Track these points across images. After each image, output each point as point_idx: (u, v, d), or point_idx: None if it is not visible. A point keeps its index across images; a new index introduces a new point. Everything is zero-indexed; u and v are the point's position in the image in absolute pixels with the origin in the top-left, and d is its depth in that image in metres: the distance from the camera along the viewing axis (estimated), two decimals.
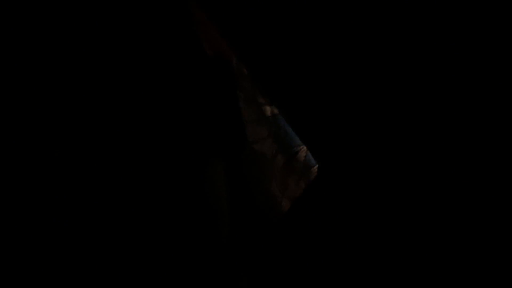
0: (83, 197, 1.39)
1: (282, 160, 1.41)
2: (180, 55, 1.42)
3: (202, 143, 1.39)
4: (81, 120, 1.43)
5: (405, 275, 1.51)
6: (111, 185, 1.40)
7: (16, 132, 1.40)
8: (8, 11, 1.43)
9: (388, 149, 1.55)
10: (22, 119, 1.41)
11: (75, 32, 1.45)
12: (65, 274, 1.37)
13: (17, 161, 1.39)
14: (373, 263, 1.52)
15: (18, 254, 1.35)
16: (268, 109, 1.42)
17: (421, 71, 1.55)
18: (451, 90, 1.55)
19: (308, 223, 1.53)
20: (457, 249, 1.51)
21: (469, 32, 1.55)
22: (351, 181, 1.54)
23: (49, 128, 1.41)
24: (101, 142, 1.42)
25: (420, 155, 1.55)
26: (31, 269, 1.35)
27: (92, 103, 1.43)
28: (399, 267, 1.51)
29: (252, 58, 1.43)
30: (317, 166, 1.39)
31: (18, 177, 1.38)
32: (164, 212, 1.39)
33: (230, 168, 1.40)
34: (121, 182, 1.40)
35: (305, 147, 1.40)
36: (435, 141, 1.55)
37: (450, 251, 1.51)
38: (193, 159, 1.39)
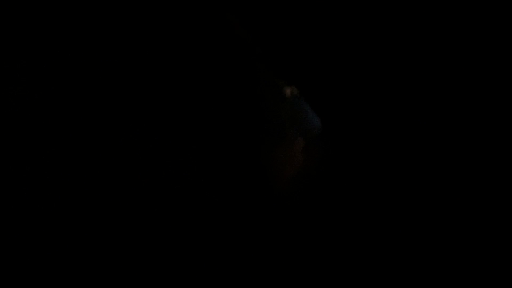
0: (92, 197, 1.36)
1: (302, 143, 1.40)
2: (192, 45, 1.42)
3: (218, 133, 1.38)
4: (93, 114, 1.41)
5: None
6: (120, 180, 1.38)
7: (16, 132, 1.37)
8: (7, 11, 1.42)
9: (412, 133, 1.54)
10: (22, 119, 1.36)
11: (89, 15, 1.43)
12: (68, 273, 1.33)
13: (18, 160, 1.34)
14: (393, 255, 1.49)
15: (18, 254, 1.29)
16: (287, 91, 1.41)
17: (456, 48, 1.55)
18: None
19: (327, 211, 1.50)
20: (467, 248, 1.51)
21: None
22: (373, 163, 1.52)
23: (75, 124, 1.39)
24: (105, 140, 1.40)
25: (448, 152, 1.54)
26: (31, 269, 1.29)
27: (104, 96, 1.41)
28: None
29: (270, 38, 1.42)
30: (335, 146, 1.38)
31: (18, 176, 1.33)
32: (175, 207, 1.36)
33: (246, 157, 1.38)
34: (129, 179, 1.38)
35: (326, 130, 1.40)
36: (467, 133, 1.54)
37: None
38: (208, 149, 1.38)
